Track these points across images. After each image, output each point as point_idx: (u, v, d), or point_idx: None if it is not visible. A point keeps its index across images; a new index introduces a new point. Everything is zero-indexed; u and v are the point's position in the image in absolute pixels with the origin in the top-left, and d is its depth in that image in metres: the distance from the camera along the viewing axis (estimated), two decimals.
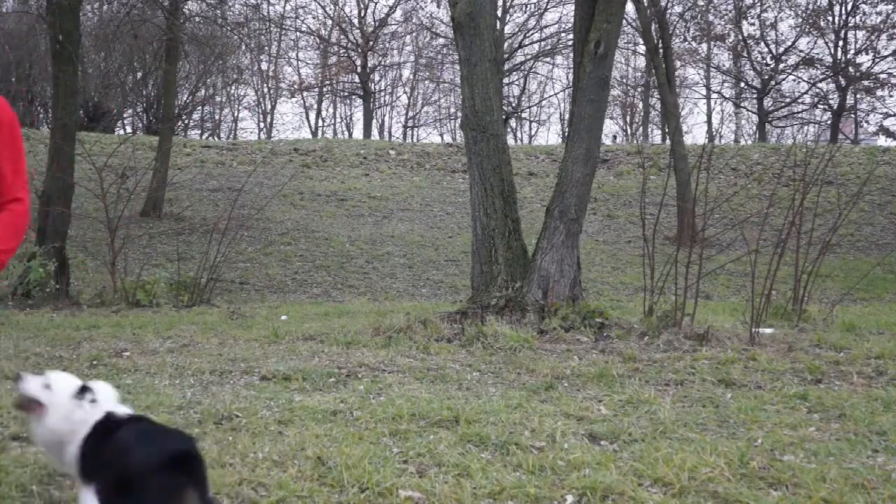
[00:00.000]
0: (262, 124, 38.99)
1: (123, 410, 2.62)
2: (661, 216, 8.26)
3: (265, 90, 37.73)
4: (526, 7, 30.41)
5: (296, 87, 35.97)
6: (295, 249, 14.60)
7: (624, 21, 14.46)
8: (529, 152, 22.22)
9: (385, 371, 5.35)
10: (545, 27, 31.92)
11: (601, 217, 17.60)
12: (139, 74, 27.55)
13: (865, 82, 27.21)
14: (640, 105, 36.89)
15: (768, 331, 6.87)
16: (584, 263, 9.51)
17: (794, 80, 30.01)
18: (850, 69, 26.96)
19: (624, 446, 3.69)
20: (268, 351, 6.18)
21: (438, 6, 30.23)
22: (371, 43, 33.54)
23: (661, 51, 16.65)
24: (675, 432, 3.89)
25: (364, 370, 5.35)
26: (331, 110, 41.15)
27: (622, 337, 6.49)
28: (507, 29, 29.82)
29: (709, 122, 38.69)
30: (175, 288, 10.51)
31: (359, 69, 33.86)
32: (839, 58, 27.91)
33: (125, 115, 30.34)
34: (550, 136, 57.42)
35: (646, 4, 16.71)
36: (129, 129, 30.25)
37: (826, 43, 28.38)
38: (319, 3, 33.38)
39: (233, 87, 36.03)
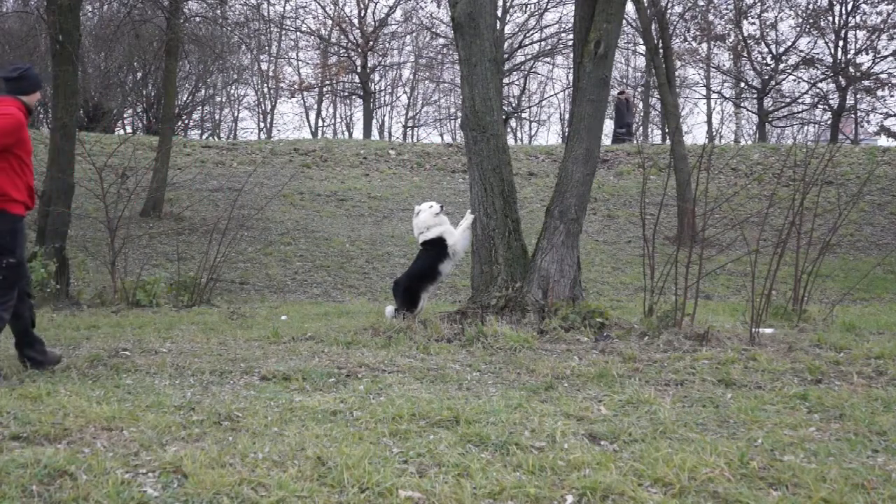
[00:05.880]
0: (262, 124, 38.96)
1: None
2: (661, 216, 8.26)
3: (265, 90, 37.72)
4: (526, 7, 30.39)
5: (296, 87, 35.93)
6: (295, 249, 14.60)
7: (624, 21, 14.45)
8: (529, 152, 22.21)
9: (385, 371, 5.35)
10: (545, 27, 31.80)
11: (601, 217, 17.59)
12: (139, 74, 27.53)
13: (865, 82, 27.17)
14: (640, 105, 36.86)
15: (768, 331, 6.87)
16: (584, 263, 9.51)
17: (794, 80, 29.96)
18: (851, 69, 26.93)
19: (624, 446, 3.69)
20: (268, 351, 6.18)
21: (438, 6, 30.19)
22: (371, 43, 33.49)
23: (661, 51, 16.63)
24: (675, 432, 3.89)
25: (364, 370, 5.35)
26: (331, 110, 41.07)
27: (622, 337, 6.49)
28: (507, 29, 29.77)
29: (709, 122, 38.69)
30: (175, 288, 10.52)
31: (359, 69, 33.81)
32: (839, 58, 27.88)
33: (125, 115, 30.32)
34: (550, 136, 57.37)
35: (646, 4, 16.70)
36: (129, 129, 30.24)
37: (826, 43, 28.34)
38: (319, 3, 33.36)
39: (233, 87, 36.00)
